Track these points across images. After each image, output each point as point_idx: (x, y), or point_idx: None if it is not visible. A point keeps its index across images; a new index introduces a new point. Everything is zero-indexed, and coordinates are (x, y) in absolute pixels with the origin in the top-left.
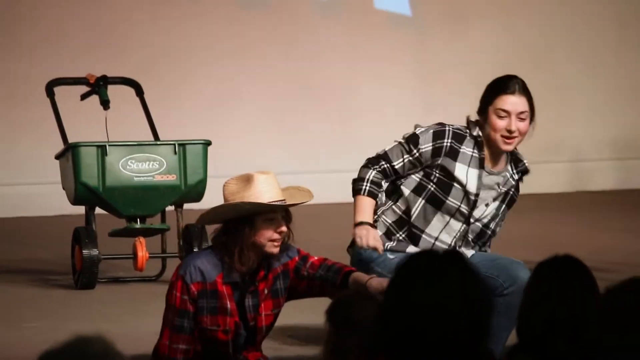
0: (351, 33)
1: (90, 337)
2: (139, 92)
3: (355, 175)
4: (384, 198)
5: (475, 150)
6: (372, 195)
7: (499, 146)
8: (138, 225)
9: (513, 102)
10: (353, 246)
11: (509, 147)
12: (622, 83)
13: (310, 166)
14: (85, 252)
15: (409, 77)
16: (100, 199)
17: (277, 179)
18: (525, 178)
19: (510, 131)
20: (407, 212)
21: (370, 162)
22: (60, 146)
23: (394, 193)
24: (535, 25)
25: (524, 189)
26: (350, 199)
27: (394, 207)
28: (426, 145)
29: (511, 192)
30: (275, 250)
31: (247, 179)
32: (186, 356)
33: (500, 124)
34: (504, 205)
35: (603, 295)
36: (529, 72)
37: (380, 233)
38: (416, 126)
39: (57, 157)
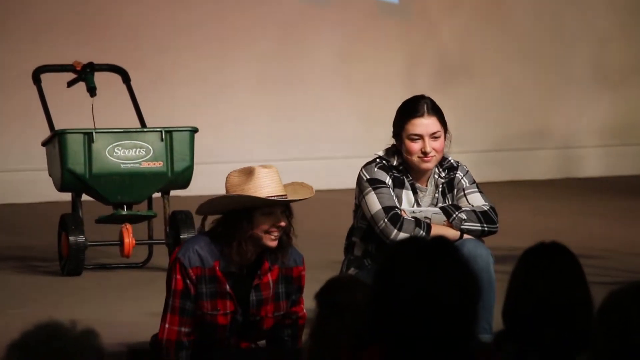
0: (339, 20)
1: (66, 324)
2: (126, 79)
3: (405, 232)
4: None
5: (402, 177)
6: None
7: (418, 167)
8: (124, 212)
9: (424, 125)
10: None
11: (429, 165)
12: (610, 70)
13: (297, 153)
14: (71, 238)
15: (397, 65)
16: (86, 186)
17: (279, 172)
18: (514, 165)
19: (425, 153)
20: (366, 250)
21: (393, 218)
22: (46, 133)
23: (349, 246)
24: (520, 10)
25: (512, 176)
26: (337, 185)
27: (355, 252)
28: (386, 179)
29: (445, 188)
30: (273, 243)
31: (248, 172)
32: (189, 339)
33: (415, 147)
34: (446, 199)
35: (606, 298)
36: (516, 58)
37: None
38: (361, 176)
39: (44, 144)
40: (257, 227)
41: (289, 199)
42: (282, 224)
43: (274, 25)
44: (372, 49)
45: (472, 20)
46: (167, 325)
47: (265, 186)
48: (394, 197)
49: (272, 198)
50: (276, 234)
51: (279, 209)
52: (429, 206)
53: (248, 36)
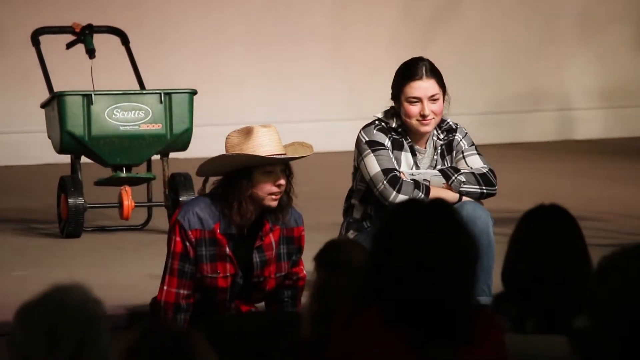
0: None
1: (70, 285)
2: (125, 41)
3: (404, 194)
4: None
5: (401, 139)
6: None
7: (417, 130)
8: (124, 174)
9: (422, 88)
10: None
11: (428, 128)
12: (610, 34)
13: (296, 115)
14: (71, 200)
15: (393, 24)
16: (85, 148)
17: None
18: (512, 127)
19: (424, 115)
20: (365, 212)
21: (392, 180)
22: (45, 95)
23: (348, 208)
24: None
25: (510, 138)
26: (336, 147)
27: (354, 214)
28: (385, 141)
29: (443, 150)
30: (274, 203)
31: (247, 132)
32: (187, 302)
33: (414, 110)
34: (444, 161)
35: (602, 262)
36: (517, 19)
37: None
38: (360, 138)
39: (43, 106)
40: (257, 186)
41: (287, 157)
42: (282, 181)
43: None
44: (368, 7)
45: None
46: (165, 288)
47: (265, 145)
48: (393, 159)
49: (271, 156)
50: (277, 193)
51: (278, 167)
52: (427, 168)
53: None
